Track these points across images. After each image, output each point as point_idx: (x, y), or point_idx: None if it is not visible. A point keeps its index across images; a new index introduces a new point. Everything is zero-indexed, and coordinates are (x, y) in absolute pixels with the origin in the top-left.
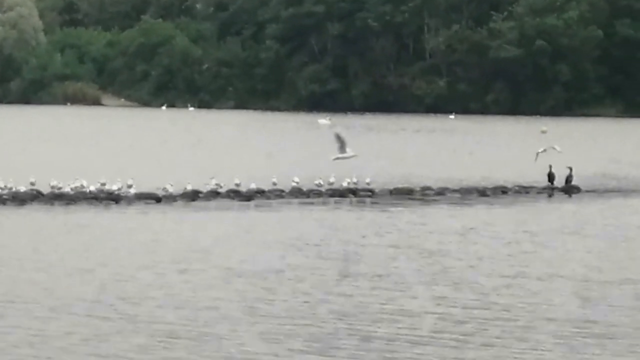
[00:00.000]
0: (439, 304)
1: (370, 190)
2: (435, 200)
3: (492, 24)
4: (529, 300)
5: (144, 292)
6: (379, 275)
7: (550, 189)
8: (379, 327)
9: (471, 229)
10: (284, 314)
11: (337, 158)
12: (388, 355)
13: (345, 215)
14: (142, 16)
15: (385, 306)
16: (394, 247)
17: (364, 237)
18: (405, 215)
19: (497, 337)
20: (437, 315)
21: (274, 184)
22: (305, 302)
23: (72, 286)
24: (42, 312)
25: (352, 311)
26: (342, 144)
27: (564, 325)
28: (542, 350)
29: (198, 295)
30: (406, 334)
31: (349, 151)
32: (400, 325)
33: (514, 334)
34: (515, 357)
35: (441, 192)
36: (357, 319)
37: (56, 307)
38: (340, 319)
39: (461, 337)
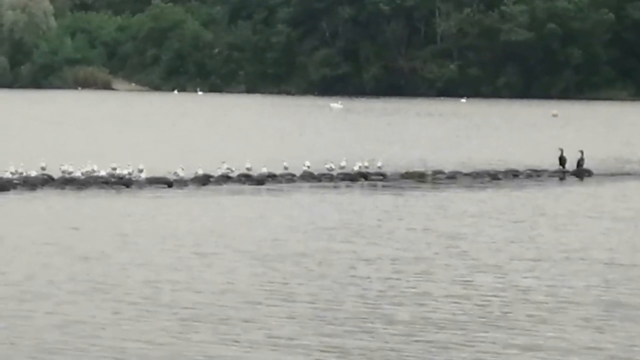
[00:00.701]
0: (462, 287)
1: (382, 174)
2: (447, 184)
3: (503, 7)
4: (551, 283)
5: (163, 276)
6: (398, 259)
7: (561, 173)
8: (401, 310)
9: (485, 212)
10: (306, 297)
11: None
12: (411, 337)
13: (359, 199)
14: (153, 0)
15: (407, 289)
16: (411, 230)
17: (379, 220)
18: (419, 199)
19: (522, 319)
20: (460, 298)
21: (285, 168)
22: (326, 284)
23: (90, 270)
24: (62, 297)
25: (373, 294)
26: None
27: (588, 307)
28: (567, 332)
29: (218, 278)
30: (429, 316)
31: None
32: (423, 308)
33: (539, 316)
34: (539, 339)
35: (453, 175)
36: (380, 301)
37: (76, 291)
38: (363, 302)
39: (485, 319)
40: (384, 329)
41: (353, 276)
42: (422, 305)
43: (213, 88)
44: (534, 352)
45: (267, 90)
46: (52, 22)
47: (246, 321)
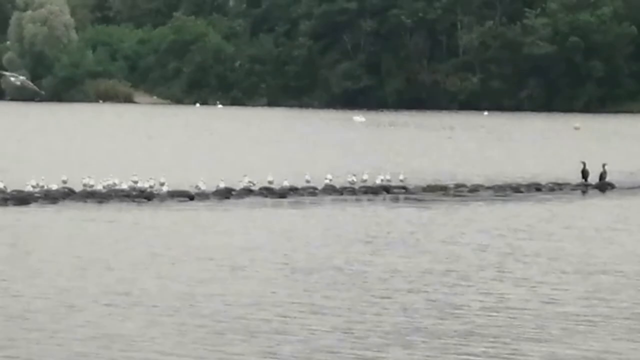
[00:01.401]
0: (495, 299)
1: (404, 187)
2: (469, 197)
3: (525, 21)
4: (582, 295)
5: (194, 288)
6: (428, 271)
7: (584, 186)
8: (436, 322)
9: (509, 225)
10: (340, 309)
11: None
12: (447, 350)
13: (382, 212)
14: (174, 13)
15: (439, 301)
16: (437, 243)
17: (404, 233)
18: (442, 212)
19: (555, 332)
20: (493, 310)
21: (307, 181)
22: (358, 296)
23: (119, 283)
24: (93, 309)
25: (407, 306)
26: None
27: (620, 320)
28: (600, 343)
29: (250, 290)
30: (464, 329)
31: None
32: (458, 321)
33: (572, 329)
34: (573, 350)
35: (475, 189)
36: (414, 313)
37: (107, 304)
38: (397, 314)
39: (518, 331)
40: (421, 341)
41: (385, 289)
42: (457, 317)
43: (235, 101)
44: None
45: (289, 103)
46: (73, 35)
47: (281, 333)
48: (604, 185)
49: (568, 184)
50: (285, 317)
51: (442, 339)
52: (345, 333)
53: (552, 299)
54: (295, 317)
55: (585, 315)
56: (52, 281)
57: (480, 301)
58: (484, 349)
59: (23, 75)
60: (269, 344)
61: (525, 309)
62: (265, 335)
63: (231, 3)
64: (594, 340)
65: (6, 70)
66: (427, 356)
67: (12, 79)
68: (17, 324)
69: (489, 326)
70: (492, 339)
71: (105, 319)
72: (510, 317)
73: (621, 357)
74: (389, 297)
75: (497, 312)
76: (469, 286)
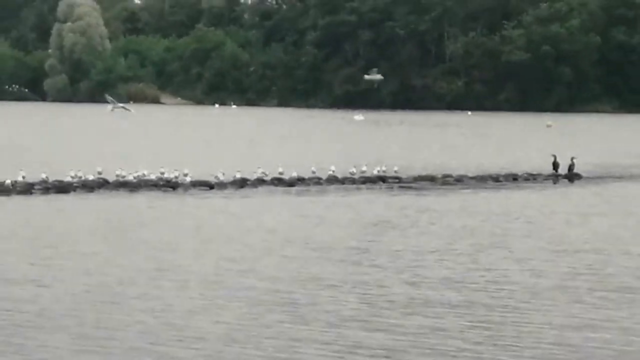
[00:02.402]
0: (490, 273)
1: (398, 178)
2: (455, 185)
3: (504, 32)
4: (568, 270)
5: (226, 265)
6: (424, 248)
7: (555, 176)
8: (442, 292)
9: (491, 209)
10: (361, 282)
11: None
12: (456, 315)
13: (380, 199)
14: (196, 25)
15: (438, 274)
16: (432, 225)
17: (403, 217)
18: (432, 199)
19: (548, 302)
20: (491, 283)
21: (313, 172)
22: (375, 270)
23: (160, 261)
24: (146, 282)
25: (416, 278)
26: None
27: (606, 291)
28: (590, 311)
29: (273, 265)
30: (477, 299)
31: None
32: (461, 291)
33: (564, 299)
34: (565, 318)
35: (460, 179)
36: (421, 284)
37: (156, 277)
38: (412, 285)
39: (511, 301)
40: (425, 308)
41: (390, 263)
42: (454, 289)
43: (249, 102)
44: (554, 329)
45: (297, 104)
46: (107, 44)
47: (315, 304)
48: (572, 176)
49: (541, 174)
50: (313, 289)
51: (444, 307)
52: (365, 303)
53: (539, 273)
54: (320, 288)
55: (570, 287)
56: (94, 262)
57: (474, 274)
58: (482, 317)
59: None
60: (300, 312)
61: (516, 282)
62: (302, 306)
63: (246, 16)
64: (580, 309)
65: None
66: (433, 321)
67: (111, 104)
68: (83, 298)
69: (484, 296)
70: (488, 308)
71: (156, 291)
72: (502, 289)
73: (605, 323)
74: (394, 271)
75: (490, 284)
76: (460, 261)
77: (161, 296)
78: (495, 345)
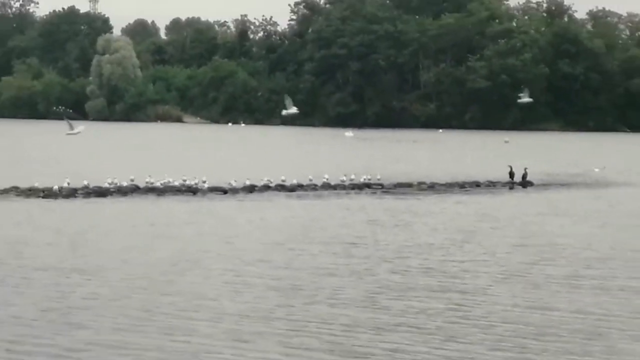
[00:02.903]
0: (462, 262)
1: (381, 184)
2: (428, 191)
3: (468, 63)
4: (529, 260)
5: (250, 255)
6: (403, 242)
7: (511, 184)
8: (424, 278)
9: (459, 210)
10: (354, 269)
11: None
12: (436, 297)
13: (366, 201)
14: (213, 57)
15: (417, 264)
16: (408, 222)
17: (384, 216)
18: (409, 202)
19: (512, 286)
20: (463, 270)
21: (310, 179)
22: (374, 257)
23: (192, 252)
24: (186, 268)
25: (410, 264)
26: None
27: (562, 278)
28: (547, 294)
29: (289, 256)
30: (444, 284)
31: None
32: (435, 277)
33: (526, 284)
34: (527, 301)
35: (432, 185)
36: (414, 272)
37: (192, 266)
38: (395, 273)
39: (480, 286)
40: (414, 292)
41: (383, 255)
42: (429, 275)
43: (257, 121)
44: (517, 309)
45: (297, 123)
46: (139, 73)
47: (317, 288)
48: (525, 183)
49: (499, 181)
50: (312, 274)
51: (424, 291)
52: (358, 287)
53: (503, 262)
54: (320, 275)
55: (531, 274)
56: (134, 252)
57: (448, 264)
58: (456, 300)
59: None
60: (304, 294)
61: (484, 270)
62: (299, 289)
63: (254, 49)
64: (538, 293)
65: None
66: (416, 303)
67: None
68: (122, 284)
69: (458, 282)
70: (461, 292)
71: (184, 278)
72: (473, 276)
73: (559, 304)
74: (381, 260)
75: (462, 272)
76: (436, 253)
77: (189, 282)
78: (467, 323)
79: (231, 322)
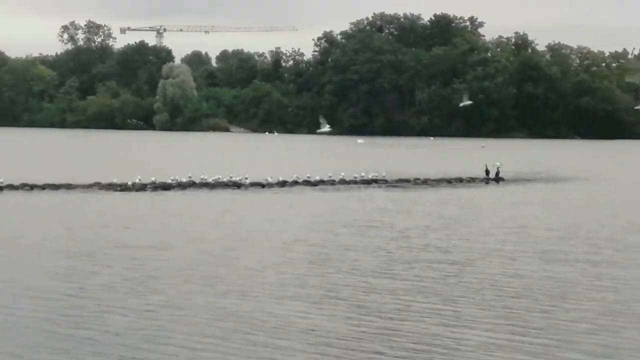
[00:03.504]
0: (453, 243)
1: (385, 180)
2: (422, 185)
3: (454, 85)
4: (506, 239)
5: (294, 235)
6: (405, 225)
7: (486, 179)
8: (423, 254)
9: (446, 199)
10: (376, 246)
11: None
12: (432, 270)
13: (374, 193)
14: (253, 80)
15: (418, 243)
16: (407, 210)
17: (388, 205)
18: (408, 194)
19: (494, 261)
20: (454, 248)
21: (330, 176)
22: (379, 237)
23: (242, 234)
24: (245, 248)
25: (416, 243)
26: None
27: (534, 253)
28: (523, 267)
29: (315, 236)
30: (440, 258)
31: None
32: (433, 252)
33: (504, 259)
34: (508, 271)
35: (425, 181)
36: (410, 250)
37: (249, 245)
38: (403, 250)
39: (467, 261)
40: (414, 263)
41: (390, 234)
42: (428, 251)
43: (287, 131)
44: (493, 278)
45: (319, 132)
46: (195, 93)
47: (342, 261)
48: (498, 179)
49: (478, 178)
50: (336, 250)
51: (421, 263)
52: (373, 259)
53: (481, 240)
54: (342, 249)
55: (507, 249)
56: (195, 231)
57: (440, 241)
58: (451, 270)
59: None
60: (332, 266)
61: (467, 246)
62: (326, 263)
63: (286, 75)
64: (511, 265)
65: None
66: (418, 271)
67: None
68: (187, 257)
69: (449, 256)
70: (452, 264)
71: (230, 253)
72: (458, 251)
73: (531, 273)
74: (389, 238)
75: (451, 247)
76: (431, 232)
77: (240, 256)
78: (460, 287)
79: (275, 286)
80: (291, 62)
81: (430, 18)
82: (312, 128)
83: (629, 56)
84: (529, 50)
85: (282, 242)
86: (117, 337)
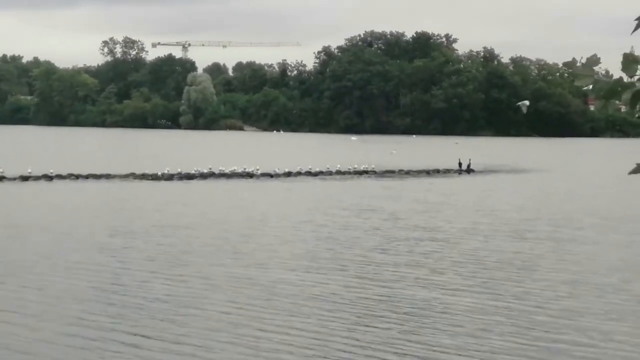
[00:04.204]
0: (435, 225)
1: (374, 171)
2: (406, 175)
3: (432, 92)
4: (483, 220)
5: (308, 217)
6: (395, 209)
7: (459, 171)
8: (414, 234)
9: (428, 188)
10: (373, 227)
11: None
12: (425, 250)
13: (367, 182)
14: (264, 87)
15: (409, 224)
16: (394, 196)
17: (377, 191)
18: (395, 182)
19: (473, 238)
20: (437, 230)
21: (327, 168)
22: (374, 220)
23: (259, 216)
24: (239, 233)
25: (393, 226)
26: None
27: (509, 231)
28: (503, 243)
29: (319, 218)
30: (425, 237)
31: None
32: (419, 233)
33: (482, 238)
34: (486, 249)
35: (408, 172)
36: (396, 233)
37: (268, 226)
38: (393, 230)
39: (450, 241)
40: (404, 241)
41: (381, 215)
42: (415, 229)
43: (292, 130)
44: (473, 254)
45: (319, 130)
46: (214, 98)
47: (347, 240)
48: (470, 170)
49: (452, 169)
50: (338, 229)
51: (410, 241)
52: (372, 238)
53: (458, 221)
54: (343, 229)
55: (482, 230)
56: (216, 213)
57: (425, 223)
58: (436, 247)
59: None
60: (338, 244)
61: (449, 227)
62: (333, 240)
63: (291, 82)
64: (490, 242)
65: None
66: (409, 247)
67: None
68: (214, 236)
69: (434, 235)
70: (438, 241)
71: (247, 231)
72: (443, 230)
73: (506, 248)
74: (382, 219)
75: (435, 228)
76: (416, 215)
77: (256, 234)
78: (446, 261)
79: (289, 259)
80: (295, 72)
81: (413, 35)
82: (312, 127)
83: (577, 64)
84: (495, 62)
85: (291, 222)
86: (159, 303)
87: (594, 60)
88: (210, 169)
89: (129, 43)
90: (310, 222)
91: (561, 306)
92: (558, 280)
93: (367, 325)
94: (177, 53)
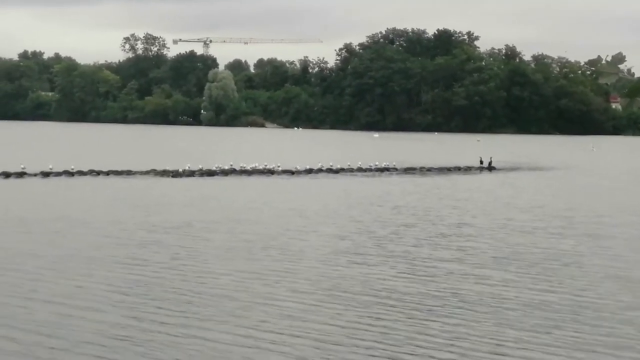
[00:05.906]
0: (455, 219)
1: (395, 168)
2: (427, 172)
3: (453, 89)
4: (498, 215)
5: (324, 210)
6: (414, 201)
7: (481, 168)
8: (424, 223)
9: (449, 184)
10: (387, 219)
11: None
12: (431, 241)
13: (389, 179)
14: (285, 84)
15: (425, 216)
16: (414, 190)
17: (399, 187)
18: (416, 180)
19: (487, 233)
20: (456, 225)
21: (349, 165)
22: (390, 211)
23: (284, 207)
24: (280, 222)
25: (416, 216)
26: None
27: (536, 221)
28: (508, 240)
29: (340, 212)
30: (439, 230)
31: None
32: (435, 225)
33: (495, 231)
34: (496, 238)
35: (430, 169)
36: (417, 224)
37: (289, 220)
38: (415, 219)
39: (464, 235)
40: (412, 228)
41: (400, 209)
42: (433, 223)
43: (313, 126)
44: (479, 236)
45: (340, 127)
46: (236, 94)
47: (365, 232)
48: (491, 168)
49: (474, 166)
50: (358, 221)
51: (422, 230)
52: (386, 229)
53: (479, 213)
54: (361, 222)
55: (497, 221)
56: (236, 208)
57: (443, 214)
58: (459, 241)
59: None
60: (358, 235)
61: (467, 221)
62: (352, 231)
63: (312, 79)
64: (502, 233)
65: None
66: (426, 234)
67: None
68: (234, 234)
69: (452, 228)
70: (460, 236)
71: (265, 225)
72: (459, 223)
73: (518, 239)
74: (399, 211)
75: (457, 222)
76: (433, 210)
77: (280, 228)
78: (451, 248)
79: (314, 251)
80: (317, 69)
81: (434, 32)
82: (334, 124)
83: (602, 62)
84: (517, 60)
85: (315, 216)
86: (204, 296)
87: (619, 57)
88: (231, 165)
89: (150, 39)
90: (329, 217)
91: (615, 301)
92: (604, 275)
93: (427, 320)
94: (199, 50)
